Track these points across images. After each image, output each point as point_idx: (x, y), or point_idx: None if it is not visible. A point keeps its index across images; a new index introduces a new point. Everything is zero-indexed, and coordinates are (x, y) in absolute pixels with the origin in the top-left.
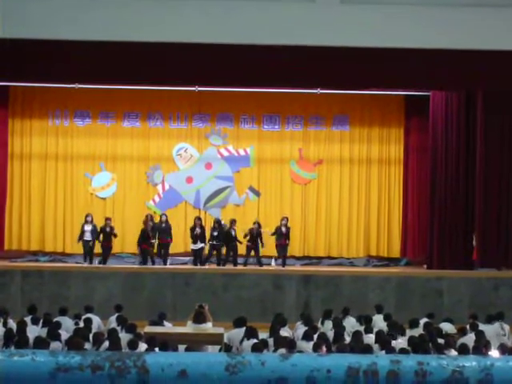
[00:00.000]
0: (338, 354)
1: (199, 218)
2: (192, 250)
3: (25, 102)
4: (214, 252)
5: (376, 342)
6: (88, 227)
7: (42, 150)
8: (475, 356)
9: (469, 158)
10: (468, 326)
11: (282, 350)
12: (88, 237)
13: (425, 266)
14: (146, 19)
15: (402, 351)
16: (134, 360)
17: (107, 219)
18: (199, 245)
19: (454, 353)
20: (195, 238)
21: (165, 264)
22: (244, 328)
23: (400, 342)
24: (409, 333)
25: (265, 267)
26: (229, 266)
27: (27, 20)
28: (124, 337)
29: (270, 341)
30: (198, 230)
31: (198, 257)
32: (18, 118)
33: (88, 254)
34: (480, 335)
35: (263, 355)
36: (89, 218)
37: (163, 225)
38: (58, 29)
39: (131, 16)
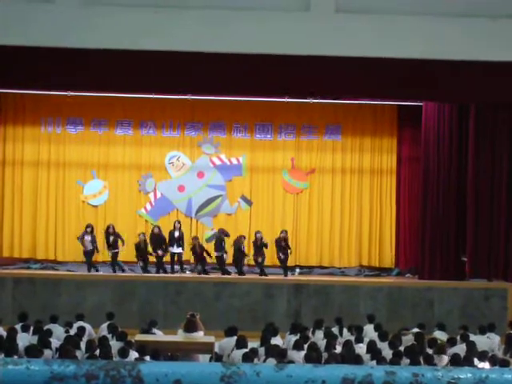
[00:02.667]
0: (333, 364)
1: (179, 222)
2: (171, 253)
3: (17, 109)
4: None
5: (367, 352)
6: (88, 237)
7: (34, 157)
8: (470, 368)
9: (461, 168)
10: (458, 337)
11: (273, 360)
12: (88, 247)
13: (410, 276)
14: (139, 28)
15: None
16: (129, 369)
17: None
18: (177, 249)
19: (445, 358)
20: (175, 241)
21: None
22: (235, 337)
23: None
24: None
25: (256, 276)
26: (219, 275)
27: (19, 26)
28: (115, 345)
29: (261, 350)
30: (177, 234)
31: (178, 262)
32: (10, 124)
33: (89, 263)
34: (471, 346)
35: (258, 365)
36: (89, 229)
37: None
38: (50, 36)
39: (124, 24)
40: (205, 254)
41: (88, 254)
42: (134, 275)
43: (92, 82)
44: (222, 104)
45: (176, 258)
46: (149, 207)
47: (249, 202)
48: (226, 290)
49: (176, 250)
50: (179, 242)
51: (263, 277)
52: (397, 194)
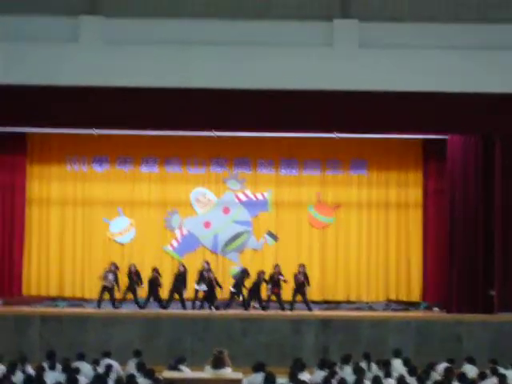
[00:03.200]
0: None
1: (208, 263)
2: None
3: (43, 148)
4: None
5: None
6: (109, 275)
7: (61, 196)
8: None
9: (487, 200)
10: (488, 371)
11: None
12: (109, 284)
13: (435, 309)
14: (164, 65)
15: None
16: None
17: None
18: (201, 287)
19: None
20: (202, 280)
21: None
22: (262, 373)
23: None
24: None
25: (283, 312)
26: (245, 311)
27: (44, 66)
28: (143, 382)
29: None
30: (205, 273)
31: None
32: (36, 164)
33: (110, 299)
34: (503, 379)
35: None
36: (113, 267)
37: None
38: (75, 75)
39: (149, 62)
40: (217, 287)
41: (105, 290)
42: (161, 312)
43: (117, 120)
44: (247, 140)
45: (200, 295)
46: (175, 244)
47: (275, 238)
48: (252, 326)
49: (201, 287)
50: (206, 281)
51: (287, 312)
52: (423, 227)
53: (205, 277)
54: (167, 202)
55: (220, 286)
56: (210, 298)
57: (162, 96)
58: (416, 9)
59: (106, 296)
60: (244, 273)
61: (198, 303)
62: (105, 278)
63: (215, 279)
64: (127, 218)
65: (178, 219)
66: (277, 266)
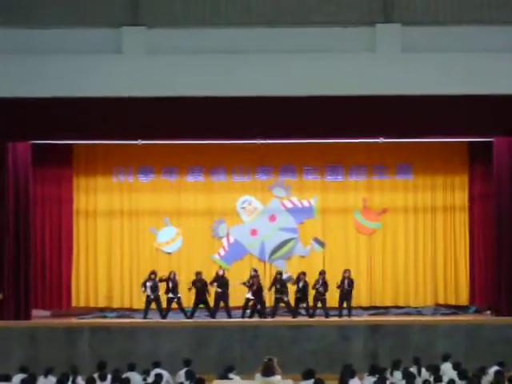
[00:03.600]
0: None
1: (255, 270)
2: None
3: (89, 160)
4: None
5: None
6: (150, 283)
7: (107, 207)
8: None
9: None
10: None
11: None
12: (149, 292)
13: (493, 313)
14: (207, 74)
15: None
16: None
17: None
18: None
19: None
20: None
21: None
22: (312, 380)
23: None
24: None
25: (331, 318)
26: (291, 318)
27: (88, 79)
28: None
29: None
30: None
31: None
32: (82, 175)
33: (150, 308)
34: None
35: None
36: (152, 276)
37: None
38: (119, 86)
39: (193, 71)
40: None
41: (150, 301)
42: (210, 321)
43: (162, 130)
44: (292, 147)
45: (250, 304)
46: (222, 252)
47: (322, 244)
48: (301, 333)
49: (251, 296)
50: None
51: (335, 318)
52: (470, 230)
53: (253, 284)
54: (213, 211)
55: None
56: (259, 305)
57: (205, 105)
58: (458, 12)
59: (153, 306)
60: (289, 279)
61: (247, 312)
62: (144, 288)
63: (259, 286)
64: (174, 228)
65: (225, 228)
66: (323, 272)
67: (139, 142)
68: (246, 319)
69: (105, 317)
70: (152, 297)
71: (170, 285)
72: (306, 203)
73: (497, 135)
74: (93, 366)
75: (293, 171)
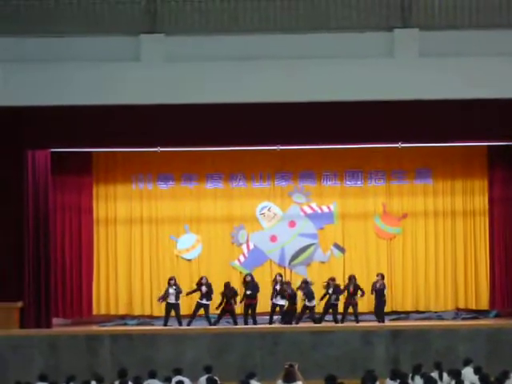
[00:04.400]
0: None
1: (280, 275)
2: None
3: (108, 168)
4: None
5: None
6: (172, 290)
7: (127, 214)
8: None
9: None
10: None
11: None
12: (172, 299)
13: None
14: (225, 81)
15: None
16: None
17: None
18: (281, 301)
19: None
20: (277, 293)
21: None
22: None
23: None
24: None
25: (352, 324)
26: (313, 324)
27: (107, 86)
28: None
29: None
30: (278, 286)
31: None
32: (101, 183)
33: (170, 316)
34: None
35: None
36: (172, 281)
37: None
38: (137, 94)
39: (211, 78)
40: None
41: (171, 307)
42: (231, 327)
43: (180, 137)
44: (311, 153)
45: (277, 309)
46: (242, 259)
47: (342, 250)
48: (322, 338)
49: (279, 301)
50: (281, 294)
51: (354, 324)
52: (490, 234)
53: (281, 290)
54: (233, 218)
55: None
56: (288, 312)
57: (224, 111)
58: (476, 16)
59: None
60: (309, 284)
61: (276, 317)
62: (166, 294)
63: (291, 292)
64: (194, 235)
65: (245, 234)
66: (352, 276)
67: (158, 149)
68: (267, 325)
69: (125, 324)
70: (174, 303)
71: (204, 289)
72: (325, 209)
73: None
74: (114, 373)
75: (312, 177)
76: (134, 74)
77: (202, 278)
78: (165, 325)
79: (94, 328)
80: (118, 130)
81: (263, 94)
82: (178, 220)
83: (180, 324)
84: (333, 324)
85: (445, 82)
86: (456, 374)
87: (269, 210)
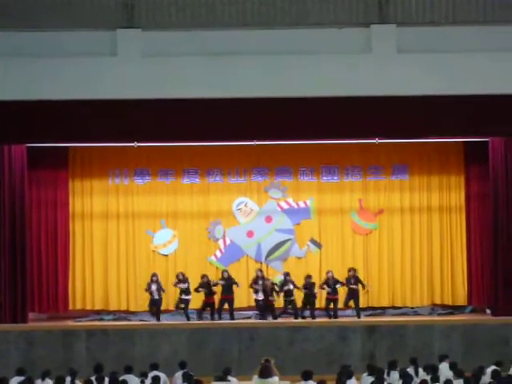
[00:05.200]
0: None
1: (261, 270)
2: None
3: (84, 163)
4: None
5: None
6: (154, 286)
7: (103, 209)
8: None
9: None
10: None
11: None
12: (155, 295)
13: (489, 312)
14: (202, 76)
15: None
16: None
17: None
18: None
19: None
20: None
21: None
22: (310, 381)
23: None
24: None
25: (328, 320)
26: (291, 320)
27: (83, 81)
28: None
29: None
30: (261, 282)
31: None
32: (78, 178)
33: (155, 311)
34: None
35: None
36: (154, 278)
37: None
38: (114, 89)
39: (188, 74)
40: (275, 296)
41: (154, 303)
42: (207, 323)
43: (157, 133)
44: (288, 148)
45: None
46: (219, 254)
47: (318, 245)
48: (299, 334)
49: (260, 297)
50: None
51: (334, 319)
52: (467, 230)
53: (262, 285)
54: (210, 213)
55: (277, 293)
56: (264, 306)
57: (201, 107)
58: (453, 12)
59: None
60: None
61: (255, 313)
62: (150, 290)
63: (271, 286)
64: (170, 230)
65: (221, 229)
66: (329, 272)
67: (135, 144)
68: (244, 321)
69: (101, 319)
70: (157, 299)
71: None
72: (302, 204)
73: (492, 135)
74: (90, 368)
75: (288, 172)
76: (110, 69)
77: (179, 274)
78: (158, 320)
79: (70, 323)
80: (95, 125)
81: (240, 89)
82: (155, 215)
83: (158, 320)
84: (309, 320)
85: (422, 79)
86: (432, 370)
87: (245, 205)
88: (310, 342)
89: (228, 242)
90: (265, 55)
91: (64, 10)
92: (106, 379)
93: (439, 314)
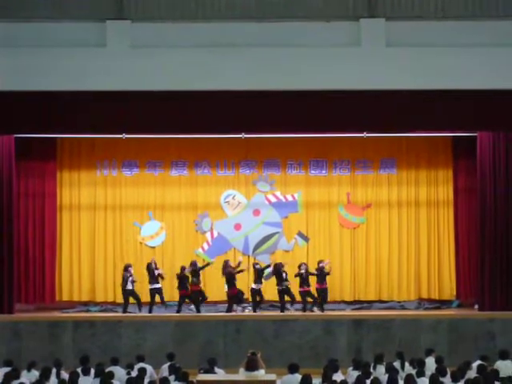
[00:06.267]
0: None
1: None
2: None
3: (72, 154)
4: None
5: None
6: (129, 276)
7: (91, 201)
8: None
9: None
10: None
11: None
12: (130, 286)
13: (476, 307)
14: (191, 69)
15: None
16: None
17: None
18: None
19: None
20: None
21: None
22: (296, 374)
23: None
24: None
25: (315, 313)
26: (279, 313)
27: (72, 72)
28: None
29: None
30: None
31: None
32: (66, 169)
33: (128, 302)
34: None
35: None
36: (130, 268)
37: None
38: (103, 80)
39: (177, 66)
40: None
41: (128, 293)
42: (194, 315)
43: (145, 124)
44: (276, 141)
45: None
46: (206, 246)
47: (305, 239)
48: (285, 327)
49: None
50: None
51: (319, 312)
52: (455, 225)
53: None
54: (197, 205)
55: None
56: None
57: (189, 99)
58: (442, 7)
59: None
60: (280, 266)
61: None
62: (125, 281)
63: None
64: (158, 222)
65: (209, 222)
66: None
67: (123, 135)
68: (229, 313)
69: (88, 311)
70: (130, 289)
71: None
72: (290, 197)
73: (480, 130)
74: (76, 360)
75: (277, 165)
76: (99, 61)
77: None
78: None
79: (57, 314)
80: (83, 116)
81: (228, 81)
82: (142, 207)
83: (140, 311)
84: (295, 312)
85: (411, 73)
86: (418, 364)
87: (233, 198)
88: (296, 335)
89: (215, 234)
90: (253, 48)
91: (53, 1)
92: (92, 371)
93: (426, 309)
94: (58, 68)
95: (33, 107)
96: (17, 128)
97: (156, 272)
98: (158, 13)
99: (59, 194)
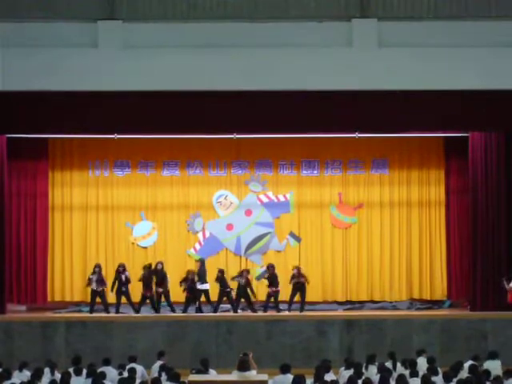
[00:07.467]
0: None
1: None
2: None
3: (64, 154)
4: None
5: None
6: (94, 277)
7: (83, 201)
8: None
9: (510, 198)
10: None
11: None
12: (94, 286)
13: (468, 307)
14: (183, 69)
15: None
16: None
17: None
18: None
19: None
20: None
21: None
22: (288, 375)
23: None
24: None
25: (307, 313)
26: (271, 313)
27: (64, 73)
28: None
29: None
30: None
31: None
32: (57, 169)
33: (94, 303)
34: None
35: None
36: (97, 269)
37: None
38: (95, 81)
39: (169, 66)
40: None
41: (95, 295)
42: (185, 315)
43: (137, 124)
44: (268, 142)
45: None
46: (198, 247)
47: (297, 239)
48: (277, 327)
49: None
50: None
51: (310, 313)
52: (446, 225)
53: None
54: (189, 205)
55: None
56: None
57: (181, 99)
58: (434, 7)
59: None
60: (273, 268)
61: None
62: (90, 281)
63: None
64: (150, 222)
65: (201, 222)
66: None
67: (115, 136)
68: (221, 314)
69: (80, 311)
70: (97, 290)
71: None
72: (281, 198)
73: (472, 130)
74: (68, 360)
75: (269, 166)
76: (91, 61)
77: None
78: (91, 312)
79: (49, 315)
80: (75, 117)
81: (220, 81)
82: (134, 207)
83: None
84: (287, 313)
85: (402, 73)
86: (410, 364)
87: (225, 198)
88: (288, 336)
89: (207, 234)
90: (246, 48)
91: (44, 2)
92: (84, 371)
93: (418, 309)
94: (49, 68)
95: (24, 107)
96: (8, 128)
97: (123, 276)
98: (149, 13)
99: (51, 194)
